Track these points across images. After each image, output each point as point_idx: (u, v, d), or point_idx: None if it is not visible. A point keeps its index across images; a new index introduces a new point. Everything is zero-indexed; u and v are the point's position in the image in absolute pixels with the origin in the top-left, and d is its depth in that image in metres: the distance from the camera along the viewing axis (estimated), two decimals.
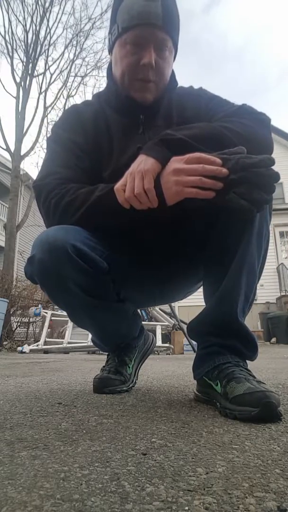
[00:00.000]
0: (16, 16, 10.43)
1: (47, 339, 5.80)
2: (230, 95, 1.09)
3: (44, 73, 10.33)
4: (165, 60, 0.97)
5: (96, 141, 1.02)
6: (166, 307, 5.83)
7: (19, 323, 7.33)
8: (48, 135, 1.10)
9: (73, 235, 0.87)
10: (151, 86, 0.98)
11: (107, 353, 1.29)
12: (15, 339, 6.97)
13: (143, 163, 0.81)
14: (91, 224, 0.91)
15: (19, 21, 10.03)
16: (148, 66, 0.94)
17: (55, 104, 10.69)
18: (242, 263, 0.86)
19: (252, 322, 9.51)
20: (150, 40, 0.93)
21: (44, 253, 0.86)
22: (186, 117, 0.99)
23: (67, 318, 1.24)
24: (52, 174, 0.96)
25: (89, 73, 11.34)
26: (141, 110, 1.01)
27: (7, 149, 9.57)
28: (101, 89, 1.17)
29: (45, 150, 1.09)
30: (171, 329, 5.84)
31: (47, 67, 10.38)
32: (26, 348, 5.31)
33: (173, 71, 1.05)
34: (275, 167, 0.76)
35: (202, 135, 0.84)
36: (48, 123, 10.25)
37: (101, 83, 11.28)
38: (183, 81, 1.11)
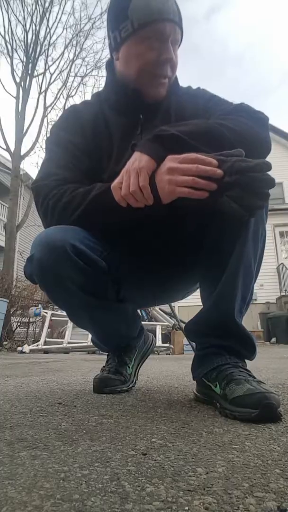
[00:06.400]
0: (16, 16, 10.42)
1: (47, 339, 5.80)
2: (230, 98, 1.09)
3: (44, 73, 10.34)
4: (177, 57, 0.99)
5: (95, 142, 1.02)
6: (166, 307, 5.83)
7: (19, 323, 7.33)
8: (48, 136, 1.09)
9: (72, 235, 0.87)
10: (167, 82, 0.99)
11: (107, 353, 1.29)
12: (15, 339, 6.97)
13: (138, 160, 0.81)
14: (89, 224, 0.91)
15: (19, 21, 10.04)
16: (168, 61, 0.95)
17: (55, 104, 10.70)
18: (239, 263, 0.86)
19: (252, 322, 9.50)
20: (169, 36, 0.94)
21: (43, 252, 0.86)
22: (184, 117, 0.98)
23: (67, 318, 1.25)
24: (50, 175, 0.96)
25: (89, 73, 11.34)
26: (141, 109, 1.01)
27: (7, 149, 9.56)
28: (100, 89, 1.16)
29: (45, 149, 1.09)
30: (171, 329, 5.84)
31: (47, 67, 10.39)
32: (26, 348, 5.31)
33: None
34: (275, 167, 0.76)
35: (197, 132, 0.84)
36: (48, 123, 10.25)
37: (101, 83, 11.26)
38: (183, 84, 1.11)
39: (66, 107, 1.16)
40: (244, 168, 0.73)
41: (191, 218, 0.95)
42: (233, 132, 0.83)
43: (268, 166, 0.74)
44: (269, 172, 0.75)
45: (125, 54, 0.99)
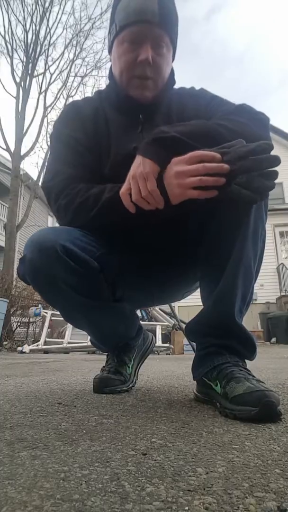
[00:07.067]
0: (16, 16, 10.43)
1: (47, 339, 5.80)
2: (230, 99, 1.10)
3: (44, 73, 10.33)
4: (163, 57, 0.98)
5: (95, 137, 1.03)
6: (166, 307, 5.83)
7: (19, 323, 7.33)
8: (51, 132, 1.11)
9: (63, 236, 0.88)
10: (149, 83, 0.98)
11: (106, 353, 1.29)
12: (15, 339, 6.97)
13: (142, 165, 0.82)
14: (102, 224, 0.92)
15: (19, 21, 10.03)
16: (145, 62, 0.94)
17: (55, 104, 10.69)
18: (238, 263, 0.86)
19: (252, 322, 9.50)
20: (147, 37, 0.94)
21: (34, 253, 0.87)
22: (185, 117, 0.99)
23: None
24: (58, 174, 0.98)
25: (89, 73, 11.32)
26: (140, 109, 1.01)
27: (7, 149, 9.56)
28: (100, 89, 1.17)
29: (49, 146, 1.11)
30: (171, 329, 5.84)
31: (47, 67, 10.38)
32: (26, 348, 5.31)
33: (172, 70, 1.05)
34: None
35: (196, 132, 0.84)
36: (48, 123, 10.26)
37: (101, 83, 11.27)
38: (185, 85, 1.11)
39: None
40: (245, 153, 0.74)
41: (192, 217, 0.95)
42: (232, 132, 0.83)
43: (270, 146, 0.74)
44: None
45: (113, 57, 1.03)
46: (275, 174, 0.75)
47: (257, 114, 0.93)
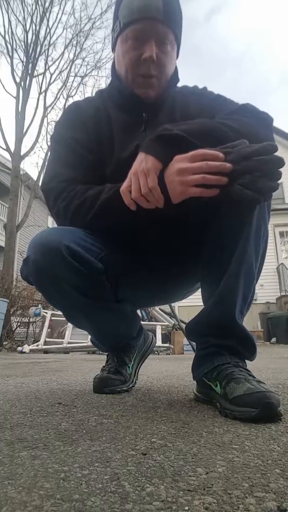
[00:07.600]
0: (16, 16, 10.44)
1: (47, 339, 5.81)
2: (232, 99, 1.10)
3: (44, 73, 10.33)
4: (167, 55, 0.97)
5: (97, 138, 1.02)
6: (166, 307, 5.83)
7: (19, 323, 7.33)
8: (51, 133, 1.10)
9: (67, 236, 0.88)
10: (153, 81, 0.98)
11: (107, 353, 1.29)
12: (15, 339, 6.97)
13: (144, 162, 0.81)
14: (102, 225, 0.92)
15: (19, 21, 10.03)
16: (149, 60, 0.94)
17: (55, 104, 10.70)
18: (240, 263, 0.86)
19: (252, 322, 9.50)
20: (151, 34, 0.93)
21: (38, 254, 0.87)
22: (189, 116, 0.98)
23: None
24: (57, 176, 0.97)
25: (89, 73, 11.32)
26: (144, 107, 1.01)
27: (7, 149, 9.56)
28: (102, 88, 1.17)
29: (48, 148, 1.11)
30: (171, 329, 5.84)
31: (47, 67, 10.38)
32: (26, 348, 5.31)
33: (176, 67, 1.05)
34: None
35: (199, 131, 0.84)
36: (48, 123, 10.26)
37: (101, 83, 11.28)
38: (187, 85, 1.11)
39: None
40: (249, 153, 0.73)
41: (195, 217, 0.95)
42: (236, 131, 0.83)
43: (274, 147, 0.74)
44: None
45: (116, 54, 1.02)
46: (279, 175, 0.74)
47: (260, 114, 0.93)
